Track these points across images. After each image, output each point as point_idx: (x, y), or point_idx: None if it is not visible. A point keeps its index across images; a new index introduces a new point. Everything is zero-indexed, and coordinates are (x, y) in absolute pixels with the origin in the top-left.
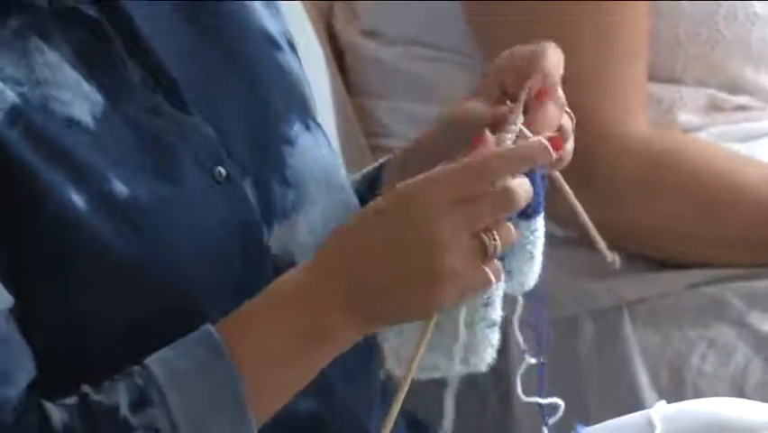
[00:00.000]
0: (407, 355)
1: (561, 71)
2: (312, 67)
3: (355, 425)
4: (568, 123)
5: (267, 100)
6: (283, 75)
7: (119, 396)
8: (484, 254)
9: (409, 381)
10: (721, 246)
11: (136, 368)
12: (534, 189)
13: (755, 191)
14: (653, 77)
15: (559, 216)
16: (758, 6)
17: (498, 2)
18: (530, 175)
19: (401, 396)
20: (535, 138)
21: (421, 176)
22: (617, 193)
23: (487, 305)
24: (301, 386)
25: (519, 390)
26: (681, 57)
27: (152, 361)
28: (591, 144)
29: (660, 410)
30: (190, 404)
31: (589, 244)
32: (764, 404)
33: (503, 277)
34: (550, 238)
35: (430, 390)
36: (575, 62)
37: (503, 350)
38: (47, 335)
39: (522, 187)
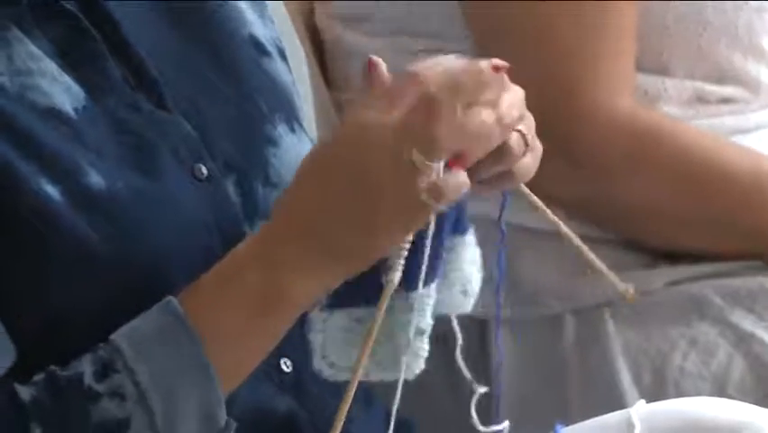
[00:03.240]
0: (330, 356)
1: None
2: (292, 64)
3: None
4: (517, 141)
5: (251, 101)
6: (269, 79)
7: (83, 367)
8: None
9: (356, 383)
10: (708, 231)
11: (101, 344)
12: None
13: (743, 175)
14: (639, 67)
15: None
16: None
17: None
18: None
19: (348, 399)
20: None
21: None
22: (603, 170)
23: (415, 310)
24: (266, 349)
25: (475, 419)
26: (668, 44)
27: (115, 334)
28: (577, 120)
29: (639, 410)
30: (154, 368)
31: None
32: (744, 403)
33: (435, 286)
34: (532, 234)
35: (406, 385)
36: (560, 38)
37: (484, 349)
38: (25, 325)
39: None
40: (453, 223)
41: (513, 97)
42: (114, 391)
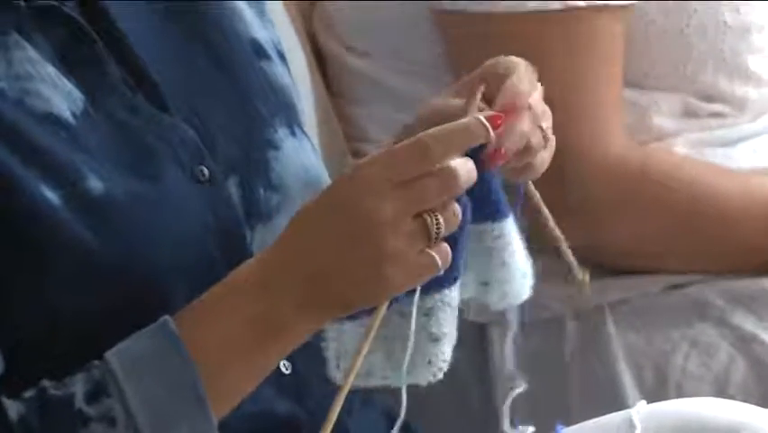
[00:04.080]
0: (344, 364)
1: (533, 86)
2: (293, 69)
3: (334, 426)
4: (539, 138)
5: (251, 105)
6: (268, 82)
7: (75, 387)
8: (427, 236)
9: (348, 387)
10: (702, 260)
11: (95, 361)
12: (491, 191)
13: (731, 200)
14: (628, 84)
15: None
16: (728, 17)
17: (471, 17)
18: (485, 178)
19: (340, 401)
20: (472, 116)
21: (361, 160)
22: (596, 214)
23: (427, 315)
24: (259, 378)
25: (507, 422)
26: (655, 69)
27: (110, 353)
28: (568, 165)
29: (640, 411)
30: (146, 393)
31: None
32: (745, 404)
33: (456, 289)
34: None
35: (409, 388)
36: (549, 82)
37: (484, 353)
38: (19, 331)
39: (464, 167)
40: (495, 209)
41: (539, 94)
42: (104, 415)
